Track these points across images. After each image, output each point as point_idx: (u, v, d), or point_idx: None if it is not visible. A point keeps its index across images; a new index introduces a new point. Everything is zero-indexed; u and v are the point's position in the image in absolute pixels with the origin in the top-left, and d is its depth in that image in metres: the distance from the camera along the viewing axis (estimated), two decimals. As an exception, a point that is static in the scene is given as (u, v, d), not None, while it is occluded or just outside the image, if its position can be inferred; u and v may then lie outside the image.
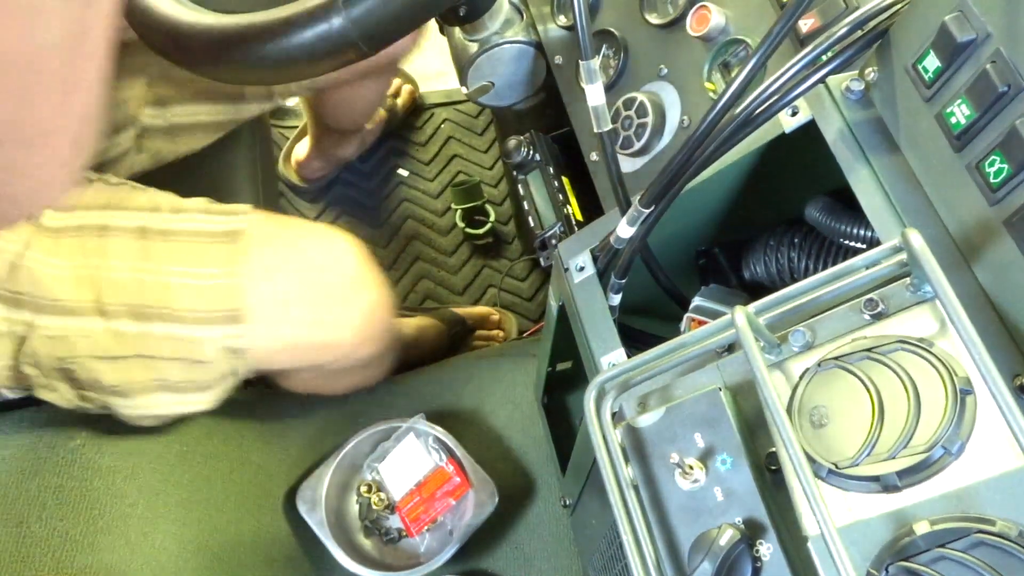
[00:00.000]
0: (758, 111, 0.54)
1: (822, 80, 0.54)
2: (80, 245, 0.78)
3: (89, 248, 0.78)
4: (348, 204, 1.59)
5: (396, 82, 1.61)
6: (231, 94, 1.03)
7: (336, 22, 0.62)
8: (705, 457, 0.48)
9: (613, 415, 0.52)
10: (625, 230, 0.63)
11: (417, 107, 1.65)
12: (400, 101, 1.60)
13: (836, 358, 0.44)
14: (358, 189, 1.60)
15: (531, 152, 0.98)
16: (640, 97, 0.77)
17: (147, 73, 0.96)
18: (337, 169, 1.57)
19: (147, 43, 0.75)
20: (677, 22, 0.76)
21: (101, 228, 0.79)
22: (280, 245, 0.83)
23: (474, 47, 0.94)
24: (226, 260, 0.79)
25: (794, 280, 0.48)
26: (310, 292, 0.83)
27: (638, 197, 0.61)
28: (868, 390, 0.42)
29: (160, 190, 0.89)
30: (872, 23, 0.53)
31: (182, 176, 1.05)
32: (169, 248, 0.79)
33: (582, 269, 0.70)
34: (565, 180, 0.97)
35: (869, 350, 0.44)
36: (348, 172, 1.59)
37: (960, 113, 0.47)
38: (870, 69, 0.54)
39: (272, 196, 1.20)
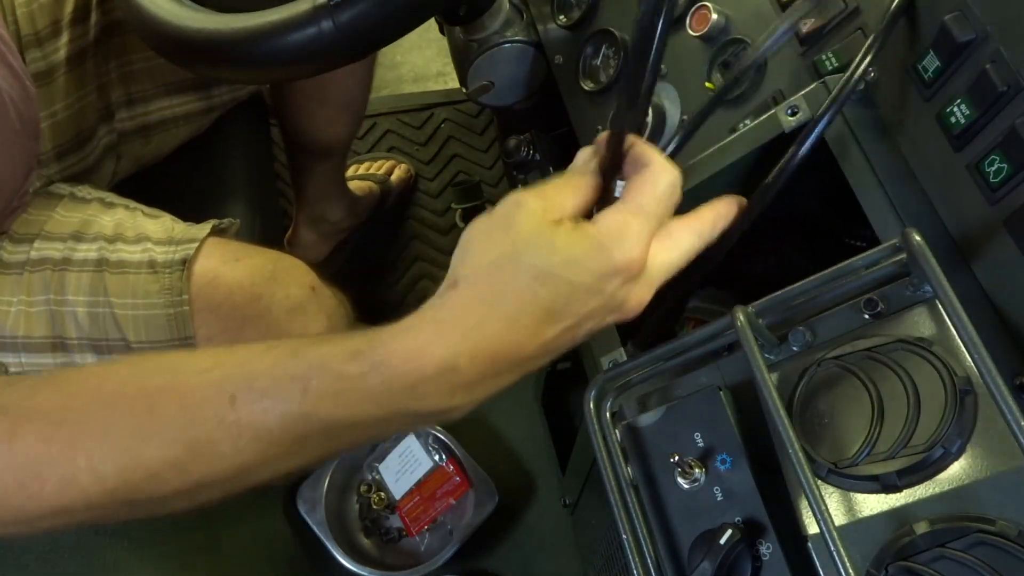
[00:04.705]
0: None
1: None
2: (40, 281, 0.79)
3: (49, 284, 0.79)
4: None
5: (390, 162, 1.57)
6: (196, 83, 1.02)
7: (325, 26, 0.62)
8: (705, 457, 0.48)
9: (613, 415, 0.52)
10: None
11: (415, 185, 1.58)
12: (394, 178, 1.53)
13: (836, 358, 0.44)
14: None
15: (531, 152, 0.98)
16: (640, 97, 0.77)
17: (100, 80, 0.95)
18: (332, 240, 1.44)
19: (140, 38, 0.76)
20: (677, 22, 0.76)
21: (62, 261, 0.80)
22: (227, 272, 0.83)
23: (474, 47, 0.94)
24: (176, 290, 0.80)
25: (794, 280, 0.48)
26: (257, 320, 0.83)
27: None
28: (868, 390, 0.42)
29: (134, 201, 0.89)
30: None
31: (174, 178, 1.05)
32: (123, 281, 0.80)
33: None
34: (565, 180, 0.97)
35: (869, 350, 0.44)
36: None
37: (960, 113, 0.47)
38: (870, 69, 0.54)
39: (271, 196, 1.20)
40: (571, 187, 0.44)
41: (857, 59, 0.51)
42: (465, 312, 0.41)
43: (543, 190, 0.44)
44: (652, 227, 0.43)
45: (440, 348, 0.40)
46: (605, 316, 0.43)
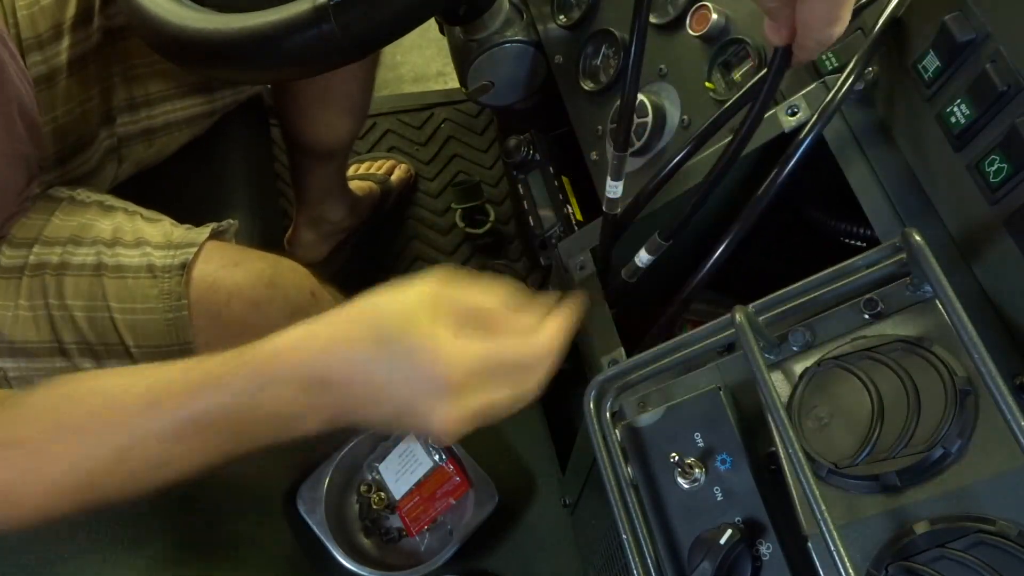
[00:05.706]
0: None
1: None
2: (39, 285, 0.79)
3: (47, 289, 0.79)
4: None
5: (390, 162, 1.57)
6: (200, 86, 1.01)
7: (325, 26, 0.62)
8: (705, 457, 0.48)
9: (613, 415, 0.52)
10: (644, 259, 0.65)
11: (415, 185, 1.58)
12: (394, 178, 1.53)
13: (836, 358, 0.44)
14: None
15: (531, 152, 0.98)
16: (640, 97, 0.77)
17: (102, 84, 0.95)
18: (332, 240, 1.44)
19: (140, 38, 0.76)
20: (677, 22, 0.76)
21: (60, 266, 0.80)
22: (226, 277, 0.83)
23: (474, 47, 0.94)
24: (175, 295, 0.80)
25: (793, 279, 0.48)
26: (255, 327, 0.83)
27: (657, 233, 0.64)
28: (868, 390, 0.42)
29: (134, 204, 0.89)
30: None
31: (174, 180, 1.04)
32: (121, 285, 0.80)
33: (582, 268, 0.70)
34: (565, 180, 0.97)
35: (869, 350, 0.44)
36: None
37: (960, 113, 0.47)
38: (870, 69, 0.54)
39: (271, 197, 1.20)
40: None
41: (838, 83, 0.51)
42: (326, 320, 0.50)
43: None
44: (483, 360, 0.47)
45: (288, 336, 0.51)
46: (409, 398, 0.47)
